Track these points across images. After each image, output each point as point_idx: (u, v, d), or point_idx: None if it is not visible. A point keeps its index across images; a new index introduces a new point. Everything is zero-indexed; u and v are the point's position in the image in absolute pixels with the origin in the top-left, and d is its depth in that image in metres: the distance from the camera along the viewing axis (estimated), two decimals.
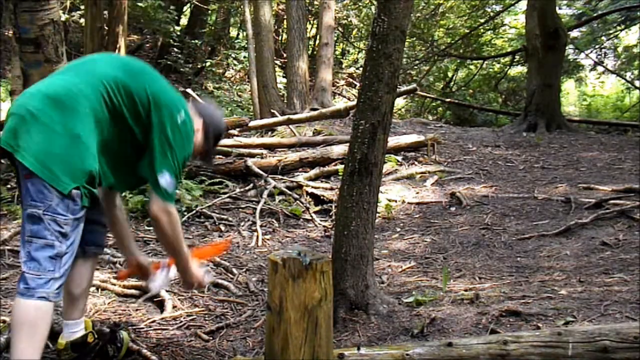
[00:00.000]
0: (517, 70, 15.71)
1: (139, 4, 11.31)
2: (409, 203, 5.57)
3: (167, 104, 2.33)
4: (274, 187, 5.55)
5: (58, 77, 2.42)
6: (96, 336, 2.66)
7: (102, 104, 2.24)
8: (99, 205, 2.48)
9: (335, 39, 14.06)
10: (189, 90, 10.12)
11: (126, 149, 2.37)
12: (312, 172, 6.19)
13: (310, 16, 14.64)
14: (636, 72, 15.10)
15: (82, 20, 6.52)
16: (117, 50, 5.67)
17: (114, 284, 3.52)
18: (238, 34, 16.51)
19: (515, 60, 14.47)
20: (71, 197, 2.17)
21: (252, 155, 6.45)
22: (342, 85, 15.71)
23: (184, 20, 15.58)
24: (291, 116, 8.44)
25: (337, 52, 15.96)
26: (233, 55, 14.38)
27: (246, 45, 11.60)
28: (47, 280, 2.17)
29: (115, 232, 2.70)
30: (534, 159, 7.32)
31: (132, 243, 2.74)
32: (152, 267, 2.69)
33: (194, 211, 5.00)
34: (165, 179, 2.30)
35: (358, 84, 12.41)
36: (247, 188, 5.67)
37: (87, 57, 2.59)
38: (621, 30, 14.62)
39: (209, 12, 15.82)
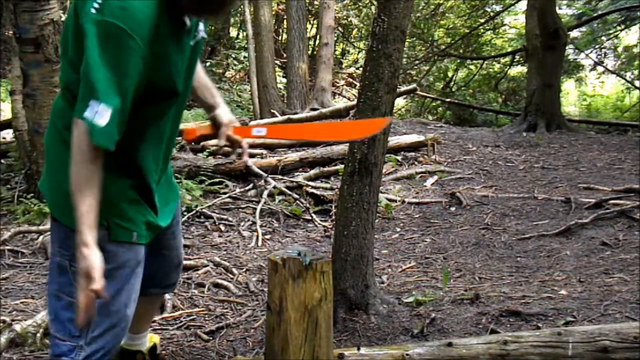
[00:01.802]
0: (517, 70, 15.70)
1: None
2: (409, 203, 5.57)
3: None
4: (274, 187, 5.55)
5: None
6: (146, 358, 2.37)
7: None
8: (168, 229, 1.98)
9: (335, 39, 14.05)
10: None
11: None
12: (312, 172, 6.19)
13: (310, 16, 14.64)
14: (636, 72, 15.09)
15: None
16: None
17: None
18: (238, 34, 16.51)
19: (515, 60, 14.47)
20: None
21: (252, 155, 6.45)
22: (342, 85, 15.71)
23: None
24: (291, 116, 8.44)
25: (337, 52, 15.96)
26: (233, 55, 14.38)
27: (246, 45, 11.59)
28: (71, 348, 1.74)
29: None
30: (534, 159, 7.32)
31: (212, 95, 2.06)
32: (239, 131, 2.05)
33: (194, 211, 5.00)
34: (91, 110, 1.56)
35: (358, 84, 12.40)
36: (247, 188, 5.67)
37: None
38: (621, 30, 14.61)
39: None
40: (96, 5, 1.53)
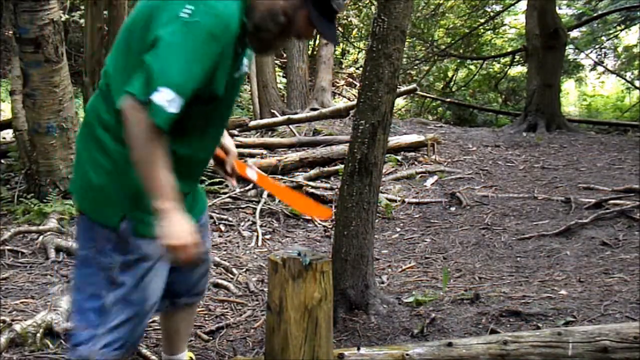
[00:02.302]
0: (517, 70, 15.70)
1: None
2: (409, 203, 5.57)
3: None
4: None
5: None
6: None
7: None
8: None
9: None
10: None
11: None
12: (312, 172, 6.19)
13: None
14: (636, 72, 15.09)
15: (82, 20, 6.52)
16: None
17: None
18: None
19: (515, 60, 14.47)
20: (118, 232, 1.78)
21: (252, 155, 6.45)
22: (342, 85, 15.71)
23: None
24: (291, 116, 8.44)
25: (337, 52, 15.95)
26: None
27: None
28: (89, 337, 1.78)
29: None
30: (534, 159, 7.32)
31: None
32: (237, 165, 2.20)
33: None
34: (161, 96, 1.63)
35: (358, 84, 12.41)
36: (247, 188, 5.67)
37: None
38: (621, 30, 14.61)
39: None
40: (187, 11, 1.62)
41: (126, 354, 1.86)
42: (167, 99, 1.60)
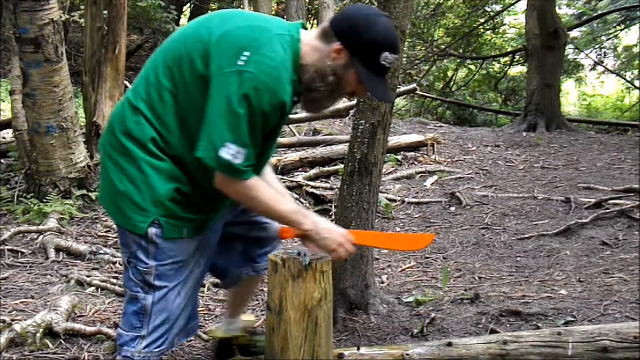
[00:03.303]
0: (517, 70, 15.70)
1: (139, 4, 11.30)
2: (409, 203, 5.57)
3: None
4: None
5: None
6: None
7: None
8: (238, 215, 2.14)
9: None
10: None
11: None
12: (312, 172, 6.19)
13: (310, 16, 14.64)
14: (636, 72, 15.10)
15: (82, 20, 6.51)
16: (116, 51, 5.66)
17: (114, 284, 3.52)
18: None
19: (515, 60, 14.47)
20: (149, 238, 1.84)
21: None
22: None
23: (184, 20, 15.58)
24: (291, 116, 8.43)
25: None
26: None
27: None
28: (133, 338, 1.89)
29: None
30: (534, 159, 7.32)
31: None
32: None
33: None
34: (228, 152, 1.73)
35: None
36: None
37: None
38: (621, 30, 14.61)
39: (209, 12, 15.81)
40: (244, 58, 1.69)
41: (169, 350, 1.97)
42: (232, 154, 1.72)
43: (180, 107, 1.81)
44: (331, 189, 5.71)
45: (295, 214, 1.89)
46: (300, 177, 5.97)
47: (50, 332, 2.82)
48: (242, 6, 12.45)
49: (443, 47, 14.48)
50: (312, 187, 5.74)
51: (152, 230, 1.83)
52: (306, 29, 1.88)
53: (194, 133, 1.78)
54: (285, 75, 1.73)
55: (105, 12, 5.70)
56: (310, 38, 1.84)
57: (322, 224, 1.92)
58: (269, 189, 1.88)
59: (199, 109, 1.76)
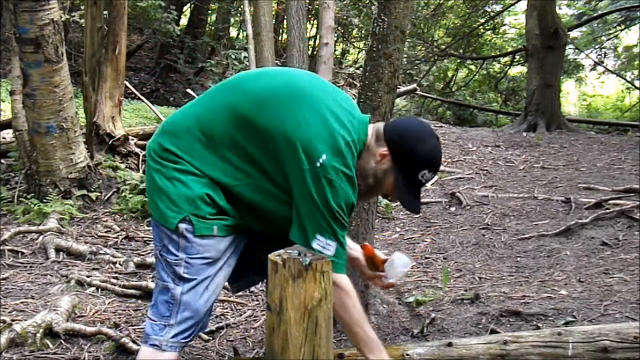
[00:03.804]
0: (517, 70, 15.71)
1: (139, 4, 11.30)
2: None
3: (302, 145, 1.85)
4: None
5: None
6: None
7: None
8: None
9: (335, 39, 14.04)
10: (189, 90, 10.14)
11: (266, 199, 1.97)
12: None
13: (310, 16, 14.64)
14: (636, 72, 15.10)
15: (82, 20, 6.52)
16: (116, 51, 5.66)
17: (114, 284, 3.52)
18: (238, 34, 16.51)
19: (515, 60, 14.47)
20: (179, 232, 1.92)
21: None
22: (342, 85, 15.71)
23: (184, 20, 15.58)
24: None
25: (337, 52, 15.95)
26: (233, 56, 14.39)
27: (246, 45, 11.59)
28: (161, 327, 1.94)
29: None
30: (534, 159, 7.32)
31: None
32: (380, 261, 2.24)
33: None
34: (318, 243, 1.89)
35: (358, 84, 12.40)
36: None
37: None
38: (621, 30, 14.61)
39: (209, 12, 15.81)
40: (321, 161, 1.83)
41: (193, 339, 2.09)
42: (322, 245, 1.89)
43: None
44: None
45: (373, 343, 1.98)
46: None
47: (50, 332, 2.82)
48: (242, 6, 12.45)
49: (443, 47, 14.49)
50: None
51: (183, 226, 1.90)
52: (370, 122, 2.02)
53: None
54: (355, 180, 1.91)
55: (105, 12, 5.70)
56: (369, 139, 1.97)
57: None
58: (358, 303, 1.97)
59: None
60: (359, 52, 16.70)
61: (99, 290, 3.46)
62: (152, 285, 3.28)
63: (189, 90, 9.82)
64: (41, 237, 4.19)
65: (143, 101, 8.82)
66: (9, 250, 3.99)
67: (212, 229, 1.93)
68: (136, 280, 3.62)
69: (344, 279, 1.94)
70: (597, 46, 15.29)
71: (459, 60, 15.42)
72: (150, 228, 4.43)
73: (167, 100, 12.61)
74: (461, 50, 14.82)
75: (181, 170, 1.92)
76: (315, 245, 1.88)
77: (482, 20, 14.50)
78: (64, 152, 4.87)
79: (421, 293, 3.44)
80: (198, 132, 1.93)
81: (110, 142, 5.63)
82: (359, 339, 1.99)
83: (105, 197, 5.06)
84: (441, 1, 13.91)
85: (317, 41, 13.07)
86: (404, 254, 2.19)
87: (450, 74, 16.26)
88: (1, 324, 2.83)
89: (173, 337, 1.94)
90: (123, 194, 5.04)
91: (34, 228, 4.34)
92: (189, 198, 1.91)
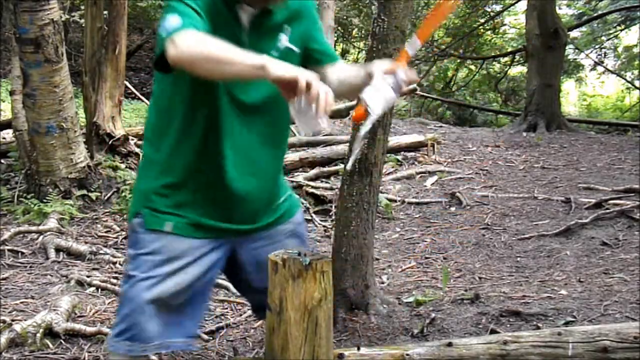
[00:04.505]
0: (517, 70, 15.71)
1: (139, 4, 11.30)
2: (409, 203, 5.57)
3: None
4: None
5: None
6: None
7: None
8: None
9: (335, 39, 14.05)
10: None
11: None
12: (312, 172, 6.19)
13: None
14: (636, 72, 15.10)
15: (82, 20, 6.52)
16: (116, 51, 5.66)
17: (114, 284, 3.52)
18: None
19: (515, 60, 14.47)
20: (133, 227, 1.85)
21: None
22: None
23: None
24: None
25: (337, 52, 15.96)
26: None
27: None
28: (115, 323, 1.86)
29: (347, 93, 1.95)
30: (534, 159, 7.32)
31: (358, 79, 1.79)
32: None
33: None
34: (164, 25, 1.61)
35: None
36: None
37: None
38: (621, 30, 14.61)
39: None
40: None
41: (137, 350, 1.82)
42: (166, 24, 1.60)
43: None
44: (331, 189, 5.71)
45: (244, 58, 1.54)
46: (300, 177, 5.97)
47: (50, 332, 2.82)
48: None
49: (443, 47, 14.48)
50: (312, 187, 5.74)
51: (136, 220, 1.83)
52: None
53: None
54: None
55: (105, 12, 5.70)
56: None
57: (277, 62, 1.55)
58: (218, 41, 1.57)
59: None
60: (359, 52, 16.70)
61: (99, 290, 3.46)
62: None
63: None
64: (41, 237, 4.19)
65: (143, 101, 8.83)
66: (9, 250, 3.99)
67: (164, 224, 1.81)
68: None
69: (193, 30, 1.58)
70: (597, 46, 15.28)
71: (459, 60, 15.41)
72: None
73: None
74: (461, 50, 14.82)
75: (147, 161, 1.87)
76: (162, 30, 1.59)
77: (482, 20, 14.50)
78: (64, 152, 4.87)
79: (421, 293, 3.44)
80: None
81: (110, 142, 5.63)
82: (240, 63, 1.55)
83: (105, 197, 5.06)
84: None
85: None
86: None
87: (450, 74, 16.26)
88: (1, 324, 2.83)
89: (115, 336, 1.81)
90: (123, 194, 5.04)
91: (34, 228, 4.34)
92: (144, 191, 1.85)
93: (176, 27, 1.57)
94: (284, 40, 1.80)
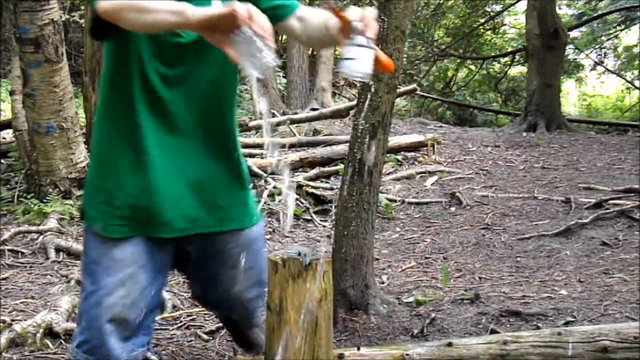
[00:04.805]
0: (517, 70, 15.71)
1: None
2: (409, 203, 5.57)
3: None
4: (274, 187, 5.55)
5: None
6: None
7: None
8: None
9: None
10: None
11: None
12: (312, 172, 6.19)
13: None
14: (636, 72, 15.10)
15: (82, 20, 6.52)
16: None
17: None
18: None
19: (515, 60, 14.47)
20: (84, 228, 1.75)
21: (252, 155, 6.45)
22: (342, 85, 15.71)
23: None
24: (291, 116, 8.44)
25: (337, 52, 15.95)
26: None
27: None
28: (75, 334, 1.75)
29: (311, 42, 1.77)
30: (534, 159, 7.32)
31: (322, 23, 1.61)
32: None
33: None
34: None
35: (358, 84, 12.40)
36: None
37: None
38: (621, 30, 14.62)
39: None
40: None
41: None
42: None
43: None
44: (331, 189, 5.71)
45: (169, 6, 1.40)
46: (300, 177, 5.97)
47: (50, 332, 2.82)
48: None
49: (443, 47, 14.49)
50: (312, 187, 5.74)
51: (85, 224, 1.74)
52: None
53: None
54: None
55: None
56: None
57: (212, 7, 1.45)
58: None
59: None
60: None
61: None
62: None
63: None
64: (41, 237, 4.19)
65: None
66: (9, 250, 3.99)
67: (98, 225, 1.67)
68: None
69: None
70: (597, 46, 15.29)
71: (459, 60, 15.42)
72: None
73: None
74: (461, 50, 14.82)
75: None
76: None
77: (482, 20, 14.51)
78: (64, 152, 4.87)
79: (421, 293, 3.44)
80: None
81: None
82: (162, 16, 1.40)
83: None
84: (441, 1, 13.90)
85: None
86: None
87: (450, 74, 16.26)
88: (1, 324, 2.83)
89: (76, 347, 1.70)
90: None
91: (34, 228, 4.34)
92: (87, 187, 1.73)
93: None
94: (216, 6, 1.57)
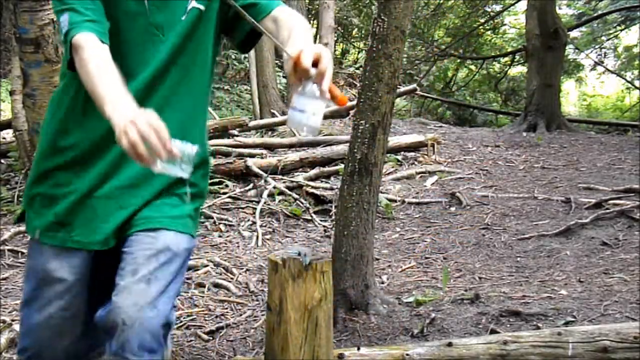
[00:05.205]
0: (517, 70, 15.71)
1: None
2: (409, 203, 5.57)
3: None
4: (274, 187, 5.55)
5: None
6: None
7: None
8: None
9: (335, 39, 14.05)
10: None
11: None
12: (312, 172, 6.19)
13: (310, 16, 14.64)
14: (636, 72, 15.10)
15: None
16: None
17: None
18: None
19: (515, 60, 14.48)
20: None
21: (252, 155, 6.45)
22: (342, 85, 15.71)
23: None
24: None
25: (337, 52, 15.95)
26: (233, 56, 14.39)
27: None
28: (19, 339, 1.68)
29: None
30: (534, 159, 7.32)
31: (292, 37, 1.56)
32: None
33: None
34: (61, 26, 1.53)
35: (358, 84, 12.40)
36: (247, 188, 5.67)
37: None
38: (621, 30, 14.62)
39: None
40: None
41: None
42: (62, 27, 1.52)
43: None
44: (331, 189, 5.71)
45: (106, 104, 1.37)
46: (300, 177, 5.97)
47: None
48: None
49: (443, 47, 14.49)
50: (312, 187, 5.74)
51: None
52: None
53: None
54: None
55: None
56: None
57: (118, 107, 1.36)
58: (100, 58, 1.46)
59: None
60: (359, 52, 16.70)
61: None
62: None
63: None
64: None
65: None
66: (9, 250, 3.99)
67: (35, 231, 1.59)
68: None
69: (82, 37, 1.47)
70: (597, 46, 15.29)
71: (459, 60, 15.42)
72: None
73: None
74: (461, 50, 14.82)
75: None
76: (60, 28, 1.51)
77: (482, 20, 14.51)
78: None
79: (421, 293, 3.44)
80: None
81: None
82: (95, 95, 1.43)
83: None
84: (441, 1, 13.91)
85: (317, 41, 13.09)
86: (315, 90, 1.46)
87: (450, 74, 16.26)
88: (1, 324, 2.83)
89: (18, 352, 1.65)
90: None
91: None
92: (26, 188, 1.70)
93: (66, 30, 1.49)
94: (193, 2, 1.60)
